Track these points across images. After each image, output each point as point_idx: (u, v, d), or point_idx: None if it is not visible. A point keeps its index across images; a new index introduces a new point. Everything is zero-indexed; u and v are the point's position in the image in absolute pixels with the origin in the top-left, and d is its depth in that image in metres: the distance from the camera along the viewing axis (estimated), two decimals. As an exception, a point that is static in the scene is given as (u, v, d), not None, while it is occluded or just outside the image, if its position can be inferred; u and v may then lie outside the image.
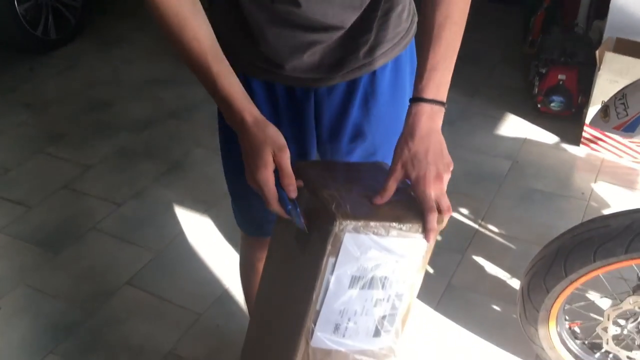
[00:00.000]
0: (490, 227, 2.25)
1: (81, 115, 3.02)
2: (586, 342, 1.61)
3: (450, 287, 2.01)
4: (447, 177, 0.97)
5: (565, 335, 1.58)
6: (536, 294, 1.50)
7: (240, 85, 0.98)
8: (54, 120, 3.00)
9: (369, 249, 0.93)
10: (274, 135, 0.96)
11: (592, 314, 1.68)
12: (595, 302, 1.78)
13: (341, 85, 1.14)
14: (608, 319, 1.52)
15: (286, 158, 0.95)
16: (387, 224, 0.93)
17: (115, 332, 1.89)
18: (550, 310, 1.51)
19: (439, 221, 0.95)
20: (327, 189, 0.95)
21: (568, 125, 2.75)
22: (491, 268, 2.08)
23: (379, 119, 1.18)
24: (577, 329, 1.62)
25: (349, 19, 1.05)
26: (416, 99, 0.95)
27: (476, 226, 2.26)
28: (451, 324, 1.89)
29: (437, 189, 0.94)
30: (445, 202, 0.95)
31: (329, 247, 0.91)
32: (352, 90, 1.15)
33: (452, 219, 2.31)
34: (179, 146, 2.75)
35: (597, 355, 1.60)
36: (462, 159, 2.60)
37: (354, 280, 0.95)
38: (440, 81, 0.96)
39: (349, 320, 0.99)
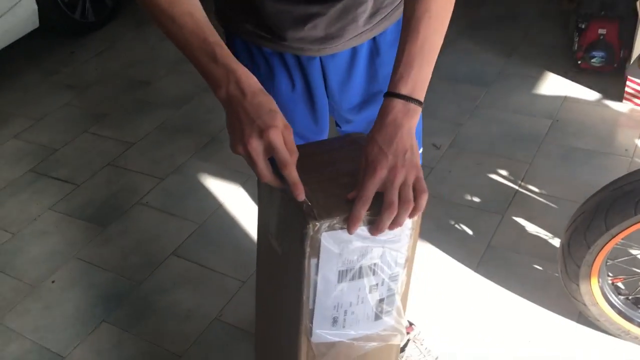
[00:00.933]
0: (531, 187, 2.22)
1: (121, 94, 3.10)
2: (630, 297, 1.59)
3: (490, 248, 2.00)
4: (408, 175, 0.88)
5: (608, 291, 1.56)
6: (577, 250, 1.49)
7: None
8: (96, 100, 3.08)
9: (350, 242, 0.91)
10: (273, 108, 0.89)
11: (635, 269, 1.66)
12: (638, 256, 1.75)
13: (345, 51, 1.16)
14: (652, 273, 1.50)
15: (277, 135, 0.86)
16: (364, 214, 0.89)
17: (163, 300, 1.96)
18: (592, 266, 1.49)
19: (398, 214, 0.88)
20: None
21: (610, 81, 2.67)
22: (532, 228, 2.06)
23: (388, 76, 1.19)
24: (620, 284, 1.60)
25: None
26: (389, 93, 0.91)
27: (516, 187, 2.23)
28: (492, 284, 1.88)
29: (390, 180, 0.87)
30: (405, 194, 0.87)
31: (307, 250, 0.89)
32: (355, 54, 1.17)
33: (490, 180, 2.31)
34: (216, 120, 2.79)
35: (642, 310, 1.58)
36: (500, 120, 2.56)
37: (342, 275, 0.94)
38: (415, 78, 0.90)
39: (345, 312, 0.98)
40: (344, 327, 0.99)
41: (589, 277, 1.51)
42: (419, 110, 0.91)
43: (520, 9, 3.36)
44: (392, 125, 0.89)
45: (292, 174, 0.88)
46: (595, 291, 1.53)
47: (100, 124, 2.89)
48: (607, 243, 1.44)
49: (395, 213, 0.87)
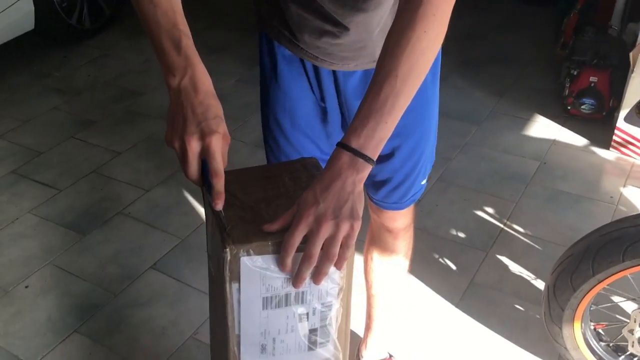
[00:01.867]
0: (516, 227, 2.23)
1: (111, 103, 3.07)
2: (611, 344, 1.59)
3: (472, 285, 2.00)
4: (338, 228, 0.84)
5: (590, 336, 1.55)
6: (562, 293, 1.48)
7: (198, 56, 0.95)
8: (85, 107, 3.05)
9: (271, 269, 0.88)
10: (219, 114, 0.89)
11: (617, 316, 1.66)
12: (621, 304, 1.75)
13: (359, 71, 1.17)
14: (634, 321, 1.50)
15: (218, 142, 0.86)
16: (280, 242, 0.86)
17: (139, 315, 1.91)
18: (575, 310, 1.49)
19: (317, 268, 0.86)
20: (227, 210, 0.90)
21: (598, 128, 2.71)
22: (515, 268, 2.06)
23: None
24: (602, 331, 1.60)
25: (355, 22, 1.07)
26: (339, 143, 0.87)
27: (501, 225, 2.24)
28: (472, 322, 1.87)
29: (314, 230, 0.83)
30: (329, 248, 0.84)
31: (227, 274, 0.86)
32: (370, 78, 1.17)
33: (476, 217, 2.32)
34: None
35: (622, 357, 1.57)
36: (489, 158, 2.58)
37: (266, 301, 0.90)
38: (369, 134, 0.86)
39: (274, 340, 0.94)
40: (273, 354, 0.95)
41: (572, 321, 1.51)
42: (367, 166, 0.86)
43: (514, 51, 3.42)
44: (333, 175, 0.85)
45: (219, 183, 0.87)
46: (577, 335, 1.53)
47: (88, 131, 2.86)
48: (592, 288, 1.44)
49: (313, 265, 0.85)
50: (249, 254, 0.85)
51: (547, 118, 2.84)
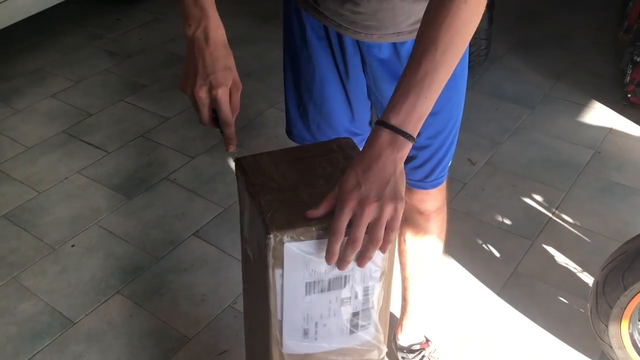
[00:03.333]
0: (565, 217, 2.16)
1: (161, 67, 3.09)
2: (658, 345, 1.53)
3: (516, 274, 1.95)
4: (382, 210, 0.81)
5: (637, 336, 1.50)
6: (612, 290, 1.43)
7: (216, 8, 0.97)
8: (136, 70, 3.08)
9: (316, 254, 0.86)
10: (229, 64, 0.94)
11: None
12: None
13: (384, 44, 1.15)
14: (686, 325, 1.45)
15: (225, 95, 0.93)
16: (327, 226, 0.84)
17: (180, 280, 1.94)
18: (624, 309, 1.44)
19: (363, 250, 0.83)
20: (266, 194, 0.89)
21: (659, 119, 2.60)
22: (561, 259, 2.00)
23: None
24: (650, 331, 1.55)
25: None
26: (379, 121, 0.85)
27: (549, 214, 2.17)
28: (513, 311, 1.84)
29: (358, 214, 0.81)
30: (374, 231, 0.81)
31: (270, 260, 0.85)
32: (397, 52, 1.15)
33: (524, 204, 2.26)
34: (253, 105, 2.77)
35: (669, 360, 1.52)
36: (541, 144, 2.50)
37: (310, 286, 0.89)
38: (409, 110, 0.83)
39: (316, 324, 0.93)
40: (315, 339, 0.95)
41: (619, 319, 1.46)
42: (407, 144, 0.83)
43: (575, 33, 3.28)
44: (374, 155, 0.83)
45: (229, 130, 0.96)
46: (624, 335, 1.48)
47: (138, 94, 2.88)
48: (645, 287, 1.39)
49: (358, 249, 0.82)
50: (293, 240, 0.84)
51: (605, 105, 2.73)
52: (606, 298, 1.45)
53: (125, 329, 1.79)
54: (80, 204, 2.24)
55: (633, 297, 1.41)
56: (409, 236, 1.47)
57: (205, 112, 0.95)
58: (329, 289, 0.90)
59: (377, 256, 0.89)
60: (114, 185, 2.33)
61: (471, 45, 2.68)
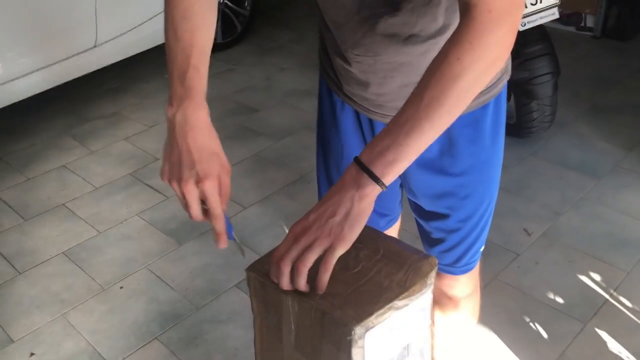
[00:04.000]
0: (623, 299, 2.03)
1: (227, 117, 3.20)
2: None
3: (563, 358, 1.84)
4: (317, 243, 0.80)
5: None
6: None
7: (204, 92, 0.95)
8: (214, 117, 3.20)
9: (388, 332, 0.85)
10: (214, 149, 0.90)
11: None
12: None
13: None
14: None
15: (212, 187, 0.88)
16: (396, 301, 0.83)
17: (216, 331, 1.96)
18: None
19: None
20: (314, 295, 0.85)
21: None
22: (614, 346, 1.87)
23: (462, 174, 1.15)
24: None
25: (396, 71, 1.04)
26: (355, 157, 0.83)
27: (607, 296, 2.05)
28: (556, 398, 1.73)
29: (298, 237, 0.81)
30: (301, 261, 0.80)
31: (353, 357, 0.82)
32: None
33: (579, 282, 2.14)
34: (309, 158, 2.78)
35: None
36: (605, 218, 2.38)
37: None
38: (381, 150, 0.80)
39: None
40: None
41: None
42: (371, 184, 0.80)
43: (653, 101, 3.13)
44: (336, 187, 0.82)
45: (218, 225, 0.90)
46: None
47: (203, 141, 2.99)
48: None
49: (282, 269, 0.81)
50: (372, 327, 0.82)
51: (680, 181, 2.57)
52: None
53: (158, 377, 1.82)
54: (135, 247, 2.33)
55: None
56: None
57: (195, 206, 0.90)
58: None
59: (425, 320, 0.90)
60: (168, 230, 2.41)
61: (534, 111, 2.61)
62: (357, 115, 1.17)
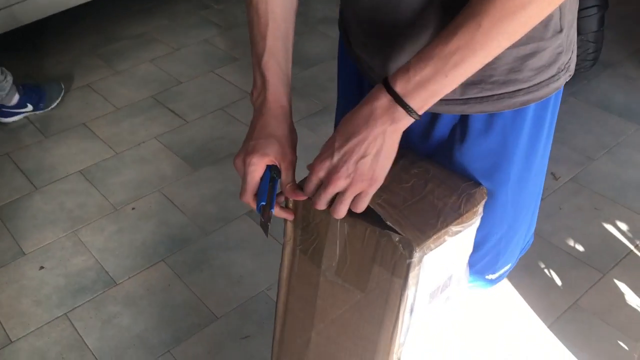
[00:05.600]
0: (649, 252, 1.92)
1: (256, 42, 3.10)
2: None
3: (575, 307, 1.76)
4: (351, 190, 0.76)
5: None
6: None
7: (285, 73, 0.87)
8: (233, 43, 3.12)
9: (440, 259, 0.83)
10: (276, 133, 0.84)
11: None
12: None
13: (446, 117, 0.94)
14: None
15: (254, 164, 0.83)
16: (451, 226, 0.82)
17: (222, 258, 1.95)
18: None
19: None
20: (371, 212, 0.81)
21: None
22: (632, 299, 1.78)
23: (473, 173, 0.94)
24: None
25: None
26: (384, 80, 0.73)
27: (631, 247, 1.93)
28: (562, 348, 1.66)
29: (325, 184, 0.77)
30: (336, 207, 0.78)
31: (409, 282, 0.80)
32: (435, 123, 0.92)
33: (604, 231, 2.03)
34: (334, 90, 2.69)
35: None
36: (639, 165, 2.23)
37: (432, 295, 0.87)
38: (422, 81, 0.69)
39: (429, 330, 0.91)
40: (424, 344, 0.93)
41: (668, 384, 1.26)
42: (406, 119, 0.72)
43: None
44: (362, 119, 0.73)
45: (244, 197, 0.85)
46: (671, 402, 1.28)
47: (228, 67, 2.92)
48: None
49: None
50: (430, 249, 0.80)
51: None
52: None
53: (161, 298, 1.83)
54: (150, 169, 2.32)
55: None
56: None
57: (245, 183, 0.84)
58: (442, 291, 0.90)
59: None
60: (184, 154, 2.39)
61: (578, 47, 2.43)
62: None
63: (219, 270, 1.92)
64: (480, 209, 0.87)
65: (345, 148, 0.74)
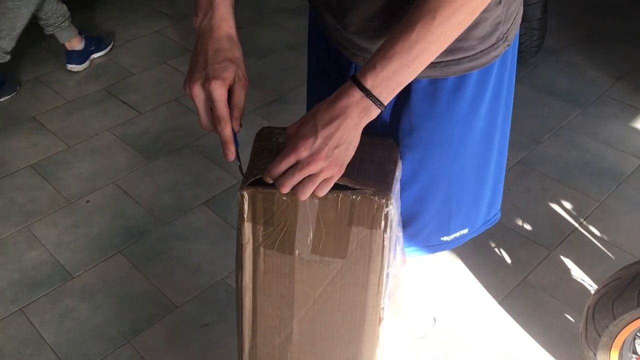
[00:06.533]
0: (592, 229, 2.01)
1: (208, 33, 3.09)
2: (655, 382, 1.40)
3: (524, 283, 1.84)
4: (325, 172, 0.80)
5: (629, 370, 1.38)
6: (601, 318, 1.31)
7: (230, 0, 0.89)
8: (185, 34, 3.10)
9: (395, 203, 0.92)
10: (230, 57, 0.84)
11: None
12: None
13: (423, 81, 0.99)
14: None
15: (218, 88, 0.82)
16: (396, 172, 0.96)
17: (180, 247, 1.96)
18: (614, 339, 1.32)
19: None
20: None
21: None
22: (577, 274, 1.86)
23: (426, 130, 1.01)
24: (647, 366, 1.42)
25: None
26: (353, 77, 0.79)
27: (576, 224, 2.03)
28: (512, 323, 1.73)
29: (303, 163, 0.80)
30: (305, 187, 0.82)
31: (387, 230, 0.88)
32: (433, 88, 0.98)
33: (550, 210, 2.11)
34: (289, 79, 2.73)
35: (665, 400, 1.39)
36: (584, 148, 2.33)
37: (394, 245, 0.95)
38: (388, 75, 0.77)
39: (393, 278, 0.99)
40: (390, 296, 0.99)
41: (609, 349, 1.34)
42: (375, 110, 0.79)
43: (648, 30, 3.01)
44: (339, 112, 0.79)
45: (225, 130, 0.84)
46: (613, 366, 1.36)
47: (181, 58, 2.90)
48: (636, 319, 1.26)
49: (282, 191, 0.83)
50: (394, 195, 0.89)
51: (666, 112, 2.50)
52: (595, 325, 1.33)
53: (118, 290, 1.83)
54: (103, 162, 2.30)
55: (623, 328, 1.29)
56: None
57: (202, 112, 0.84)
58: (398, 242, 1.00)
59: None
60: (138, 146, 2.37)
61: (521, 35, 2.51)
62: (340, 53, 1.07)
63: (177, 260, 1.92)
64: (398, 155, 0.99)
65: (326, 133, 0.78)
